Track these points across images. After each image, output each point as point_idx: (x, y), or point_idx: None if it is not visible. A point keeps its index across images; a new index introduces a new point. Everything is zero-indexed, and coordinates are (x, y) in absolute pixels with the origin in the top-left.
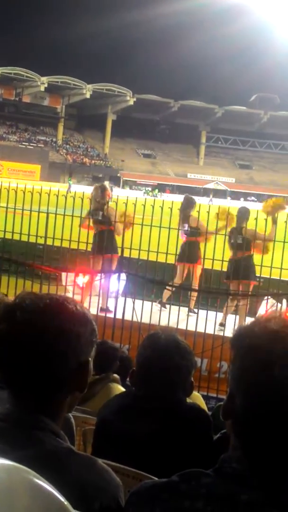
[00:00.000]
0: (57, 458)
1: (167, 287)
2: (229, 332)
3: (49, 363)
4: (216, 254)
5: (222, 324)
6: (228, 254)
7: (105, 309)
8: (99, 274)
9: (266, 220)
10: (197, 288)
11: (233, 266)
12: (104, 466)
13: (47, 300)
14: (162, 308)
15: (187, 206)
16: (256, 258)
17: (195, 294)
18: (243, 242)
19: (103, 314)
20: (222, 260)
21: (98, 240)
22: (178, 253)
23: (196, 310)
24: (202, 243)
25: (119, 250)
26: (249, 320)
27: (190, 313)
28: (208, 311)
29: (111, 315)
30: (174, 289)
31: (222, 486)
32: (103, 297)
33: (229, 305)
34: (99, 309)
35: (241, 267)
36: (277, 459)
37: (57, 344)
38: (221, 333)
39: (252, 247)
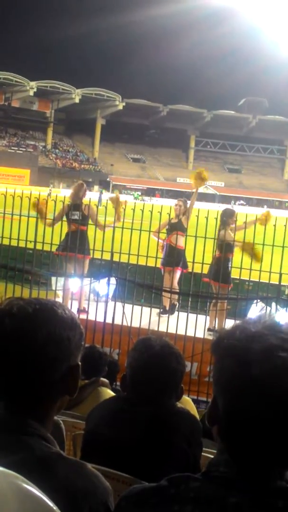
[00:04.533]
0: (46, 463)
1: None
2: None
3: (39, 369)
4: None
5: (210, 329)
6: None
7: (82, 310)
8: (89, 278)
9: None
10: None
11: (213, 265)
12: (93, 470)
13: (36, 305)
14: (166, 314)
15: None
16: (245, 260)
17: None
18: (222, 244)
19: (92, 319)
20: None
21: (72, 239)
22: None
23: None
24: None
25: (109, 255)
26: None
27: (163, 314)
28: (198, 315)
29: (99, 319)
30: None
31: (210, 490)
32: (80, 298)
33: (211, 308)
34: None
35: (219, 269)
36: (263, 460)
37: (47, 349)
38: (211, 338)
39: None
